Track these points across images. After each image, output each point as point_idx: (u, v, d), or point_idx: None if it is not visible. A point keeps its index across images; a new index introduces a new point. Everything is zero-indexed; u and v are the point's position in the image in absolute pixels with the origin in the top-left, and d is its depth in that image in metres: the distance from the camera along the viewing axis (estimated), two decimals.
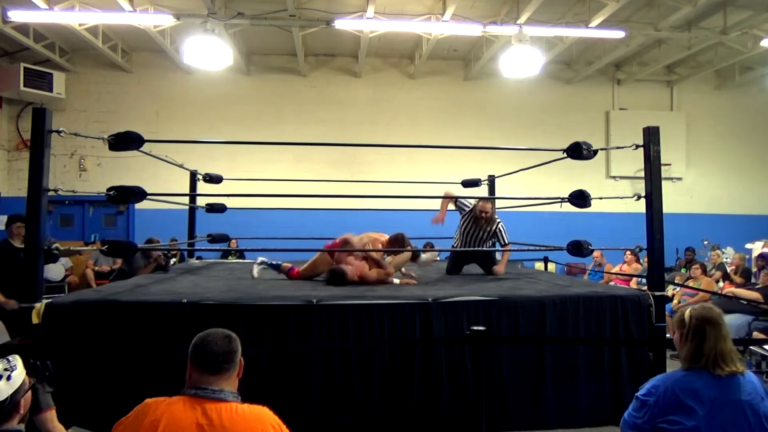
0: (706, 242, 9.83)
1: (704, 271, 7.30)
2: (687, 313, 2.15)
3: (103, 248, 3.68)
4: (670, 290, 7.10)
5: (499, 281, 4.93)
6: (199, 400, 1.75)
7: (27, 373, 1.97)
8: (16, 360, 1.94)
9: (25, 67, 9.42)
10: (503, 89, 11.05)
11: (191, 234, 6.83)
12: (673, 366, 2.18)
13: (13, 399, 1.85)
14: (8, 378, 1.87)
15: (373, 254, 4.64)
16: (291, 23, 8.55)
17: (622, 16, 8.53)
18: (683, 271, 8.96)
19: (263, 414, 1.79)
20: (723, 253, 8.83)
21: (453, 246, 5.75)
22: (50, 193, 3.53)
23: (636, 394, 2.07)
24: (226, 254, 9.30)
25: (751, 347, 5.62)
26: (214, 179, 6.57)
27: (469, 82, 11.25)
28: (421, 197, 4.79)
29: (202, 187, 6.76)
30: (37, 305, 3.38)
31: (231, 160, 9.75)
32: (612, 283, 7.74)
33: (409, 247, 4.96)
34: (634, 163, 10.22)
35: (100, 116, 10.48)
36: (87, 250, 9.02)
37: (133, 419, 1.76)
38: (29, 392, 1.92)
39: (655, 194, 3.94)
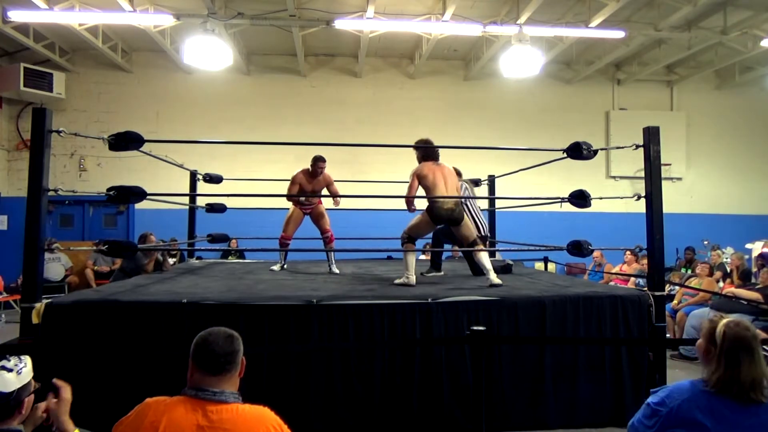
0: (706, 242, 9.82)
1: (711, 273, 7.21)
2: (720, 327, 1.94)
3: (103, 248, 3.68)
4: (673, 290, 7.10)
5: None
6: (199, 401, 1.75)
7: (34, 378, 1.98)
8: (27, 360, 1.95)
9: (25, 67, 9.41)
10: (503, 89, 11.04)
11: (191, 234, 6.83)
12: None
13: (19, 395, 1.84)
14: (19, 372, 1.88)
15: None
16: (291, 23, 8.55)
17: (622, 16, 8.53)
18: (683, 270, 8.95)
19: (264, 414, 1.79)
20: (723, 253, 8.82)
21: None
22: (50, 193, 3.54)
23: (647, 401, 1.98)
24: (226, 254, 9.30)
25: None
26: (214, 179, 6.57)
27: (469, 82, 11.25)
28: (421, 197, 4.78)
29: (202, 187, 6.77)
30: (37, 305, 3.38)
31: (231, 160, 9.75)
32: (612, 283, 7.73)
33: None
34: (634, 163, 10.21)
35: (100, 116, 10.47)
36: (87, 249, 9.02)
37: (133, 419, 1.76)
38: (32, 395, 1.92)
39: (655, 194, 3.94)
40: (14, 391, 1.83)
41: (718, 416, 1.84)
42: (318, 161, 5.59)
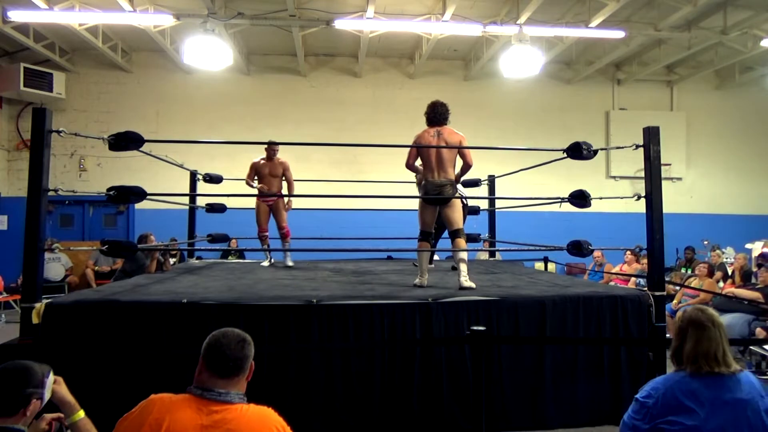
0: (706, 242, 9.83)
1: (710, 272, 7.17)
2: (681, 313, 2.19)
3: (103, 248, 3.68)
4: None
5: (499, 281, 4.93)
6: (204, 401, 1.76)
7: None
8: (53, 377, 2.00)
9: (25, 67, 9.41)
10: (503, 89, 11.04)
11: (191, 234, 6.83)
12: (672, 366, 2.17)
13: (35, 391, 1.85)
14: (46, 376, 1.94)
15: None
16: (291, 23, 8.55)
17: (622, 16, 8.53)
18: (683, 270, 8.95)
19: (267, 416, 1.79)
20: (723, 253, 8.81)
21: None
22: (50, 193, 3.54)
23: (635, 396, 2.08)
24: (226, 254, 9.29)
25: (751, 347, 5.62)
26: (214, 179, 6.57)
27: (469, 82, 11.24)
28: (421, 197, 4.78)
29: (202, 187, 6.77)
30: (37, 305, 3.38)
31: (231, 160, 9.72)
32: (612, 283, 7.73)
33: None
34: (634, 163, 10.21)
35: (100, 116, 10.47)
36: (87, 249, 9.01)
37: (137, 414, 1.77)
38: (38, 402, 1.91)
39: (655, 194, 3.94)
40: (38, 387, 1.87)
41: (699, 397, 1.96)
42: (271, 144, 6.07)
